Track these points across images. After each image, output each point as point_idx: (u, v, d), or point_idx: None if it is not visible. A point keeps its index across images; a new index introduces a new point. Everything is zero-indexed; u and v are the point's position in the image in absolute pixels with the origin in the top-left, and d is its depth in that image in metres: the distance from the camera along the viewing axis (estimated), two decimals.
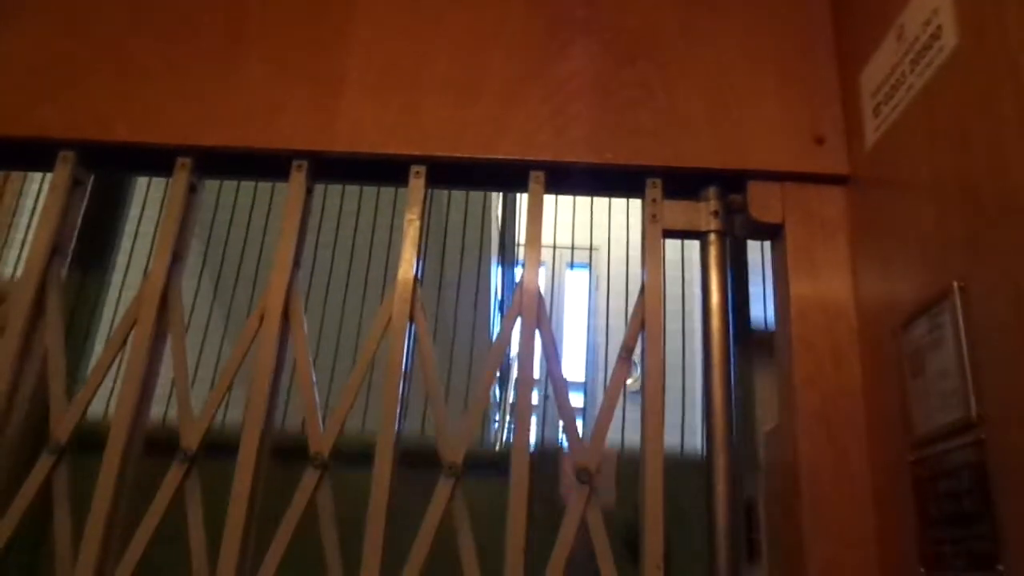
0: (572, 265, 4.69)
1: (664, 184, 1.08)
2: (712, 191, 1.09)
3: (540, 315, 1.02)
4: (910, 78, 0.88)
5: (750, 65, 1.12)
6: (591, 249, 3.80)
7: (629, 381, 1.05)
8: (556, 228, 1.96)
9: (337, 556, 0.96)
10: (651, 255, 1.05)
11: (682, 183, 1.09)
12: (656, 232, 1.06)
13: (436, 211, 2.52)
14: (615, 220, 2.27)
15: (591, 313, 4.59)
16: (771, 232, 1.05)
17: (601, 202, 2.41)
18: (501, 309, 3.06)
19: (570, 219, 2.16)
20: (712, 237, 1.07)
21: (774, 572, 1.02)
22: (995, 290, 0.70)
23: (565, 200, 1.25)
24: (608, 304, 2.06)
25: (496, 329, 2.73)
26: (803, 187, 1.05)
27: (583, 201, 1.75)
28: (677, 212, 1.08)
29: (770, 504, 1.03)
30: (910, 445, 0.82)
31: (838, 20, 1.12)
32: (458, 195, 2.48)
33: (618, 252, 2.16)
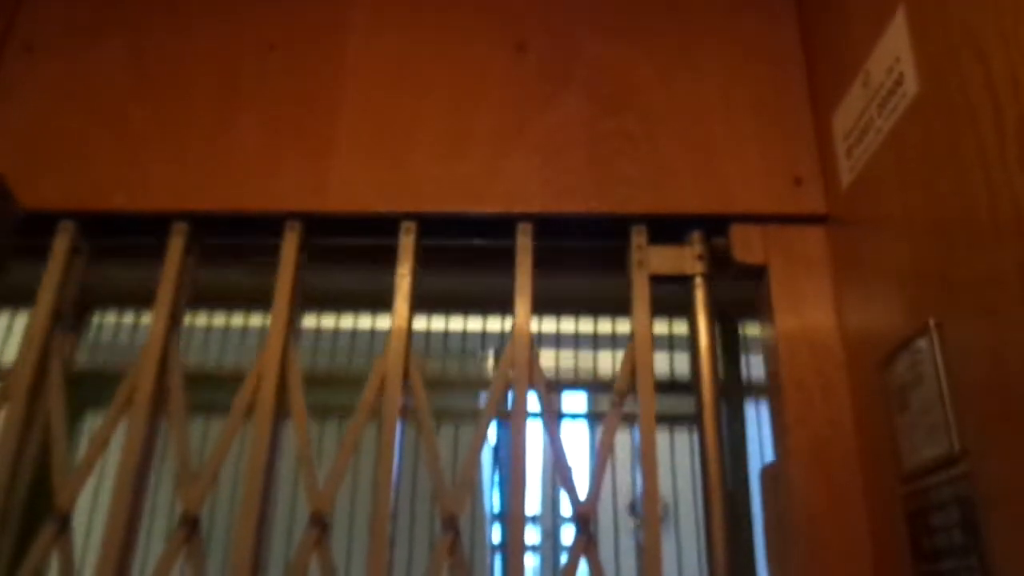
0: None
1: (649, 230, 1.11)
2: (696, 235, 1.11)
3: (534, 373, 1.03)
4: (878, 121, 0.91)
5: (728, 111, 1.16)
6: None
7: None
8: None
9: None
10: (639, 301, 1.07)
11: (666, 229, 1.11)
12: (643, 278, 1.08)
13: None
14: None
15: None
16: (755, 273, 1.07)
17: None
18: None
19: None
20: (698, 280, 1.09)
21: None
22: (969, 327, 0.72)
23: None
24: None
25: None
26: (784, 228, 1.08)
27: None
28: (662, 257, 1.10)
29: (767, 542, 1.04)
30: (900, 479, 0.83)
31: (810, 65, 1.16)
32: None
33: None
